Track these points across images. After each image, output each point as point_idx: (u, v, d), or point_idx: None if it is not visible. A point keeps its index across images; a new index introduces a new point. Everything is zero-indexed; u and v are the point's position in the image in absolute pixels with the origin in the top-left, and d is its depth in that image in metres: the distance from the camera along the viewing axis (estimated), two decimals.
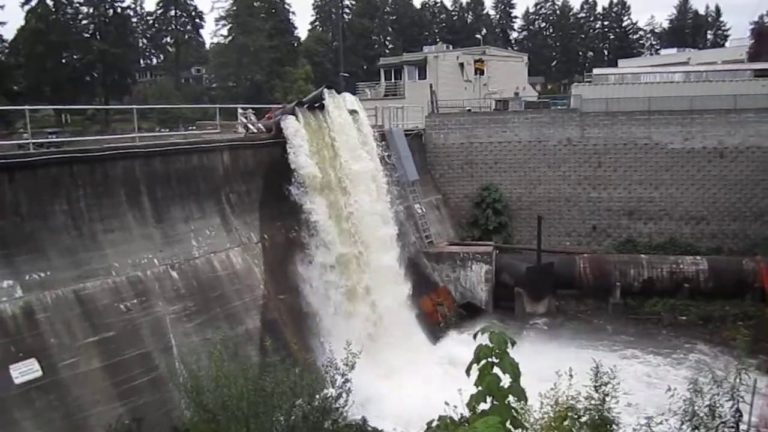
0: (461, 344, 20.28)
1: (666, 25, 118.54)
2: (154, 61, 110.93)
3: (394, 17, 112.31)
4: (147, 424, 13.44)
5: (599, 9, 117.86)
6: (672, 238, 31.09)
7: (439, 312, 25.33)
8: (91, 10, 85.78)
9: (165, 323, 15.21)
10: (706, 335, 24.77)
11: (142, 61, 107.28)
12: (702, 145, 30.68)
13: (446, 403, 7.59)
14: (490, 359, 5.39)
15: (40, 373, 12.40)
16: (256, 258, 19.01)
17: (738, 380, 8.37)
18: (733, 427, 8.31)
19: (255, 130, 21.31)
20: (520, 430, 5.60)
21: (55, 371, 12.66)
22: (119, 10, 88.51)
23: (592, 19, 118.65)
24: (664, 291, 27.26)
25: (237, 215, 19.18)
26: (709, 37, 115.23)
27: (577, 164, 32.04)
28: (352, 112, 22.29)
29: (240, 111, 22.21)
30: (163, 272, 15.93)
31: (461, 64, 44.80)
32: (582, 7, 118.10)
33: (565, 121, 32.21)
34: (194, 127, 35.68)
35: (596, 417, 9.13)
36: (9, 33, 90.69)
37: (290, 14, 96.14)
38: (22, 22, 78.19)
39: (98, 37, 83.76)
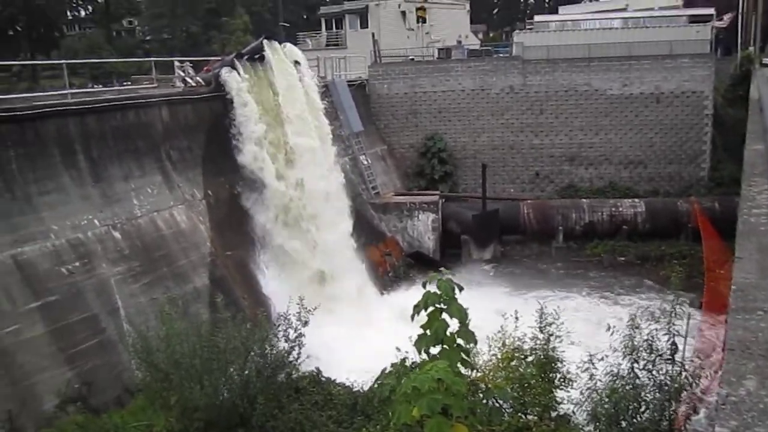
0: (410, 293, 20.62)
1: None
2: (83, 13, 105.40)
3: None
4: (98, 387, 13.30)
5: None
6: (611, 182, 31.99)
7: (387, 262, 25.62)
8: None
9: (110, 285, 14.91)
10: (644, 274, 25.84)
11: (69, 14, 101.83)
12: (639, 90, 31.39)
13: (397, 349, 7.75)
14: (438, 306, 5.51)
15: None
16: (201, 215, 18.73)
17: (673, 315, 8.82)
18: (669, 359, 8.79)
19: (194, 84, 20.70)
20: (469, 371, 5.78)
21: None
22: None
23: None
24: (604, 233, 28.15)
25: (179, 172, 18.76)
26: None
27: (519, 112, 32.38)
28: (294, 62, 21.90)
29: (177, 64, 21.48)
30: (104, 233, 15.53)
31: (403, 12, 44.19)
32: None
33: (508, 69, 32.39)
34: (129, 83, 34.40)
35: (542, 356, 9.51)
36: None
37: None
38: None
39: None
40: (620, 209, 28.34)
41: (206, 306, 16.36)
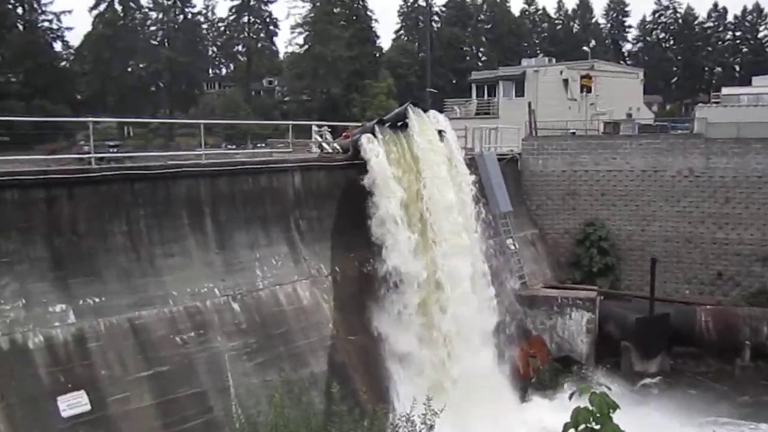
0: (555, 405, 19.84)
1: None
2: (224, 71, 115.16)
3: (489, 26, 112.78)
4: None
5: (730, 17, 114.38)
6: None
7: (531, 365, 24.85)
8: (160, 16, 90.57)
9: (223, 360, 15.50)
10: None
11: (210, 71, 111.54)
12: None
13: None
14: (589, 425, 5.29)
15: (88, 407, 12.84)
16: (326, 293, 19.15)
17: None
18: None
19: (330, 150, 21.60)
20: None
21: (104, 406, 13.09)
22: (189, 15, 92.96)
23: (721, 29, 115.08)
24: None
25: (306, 244, 19.42)
26: None
27: (699, 199, 31.03)
28: (440, 132, 22.31)
29: (315, 129, 22.58)
30: (223, 304, 16.28)
31: (565, 80, 44.46)
32: (709, 16, 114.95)
33: (687, 149, 31.30)
34: (264, 145, 36.84)
35: None
36: (76, 39, 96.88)
37: (373, 22, 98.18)
38: (89, 28, 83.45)
39: (167, 44, 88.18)
40: None
41: (321, 394, 16.55)
